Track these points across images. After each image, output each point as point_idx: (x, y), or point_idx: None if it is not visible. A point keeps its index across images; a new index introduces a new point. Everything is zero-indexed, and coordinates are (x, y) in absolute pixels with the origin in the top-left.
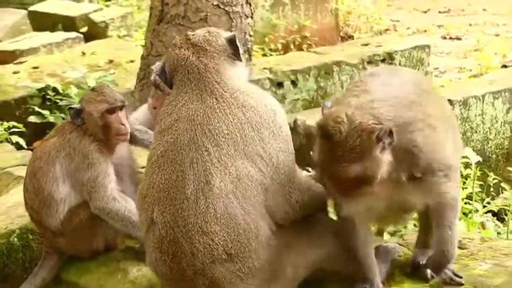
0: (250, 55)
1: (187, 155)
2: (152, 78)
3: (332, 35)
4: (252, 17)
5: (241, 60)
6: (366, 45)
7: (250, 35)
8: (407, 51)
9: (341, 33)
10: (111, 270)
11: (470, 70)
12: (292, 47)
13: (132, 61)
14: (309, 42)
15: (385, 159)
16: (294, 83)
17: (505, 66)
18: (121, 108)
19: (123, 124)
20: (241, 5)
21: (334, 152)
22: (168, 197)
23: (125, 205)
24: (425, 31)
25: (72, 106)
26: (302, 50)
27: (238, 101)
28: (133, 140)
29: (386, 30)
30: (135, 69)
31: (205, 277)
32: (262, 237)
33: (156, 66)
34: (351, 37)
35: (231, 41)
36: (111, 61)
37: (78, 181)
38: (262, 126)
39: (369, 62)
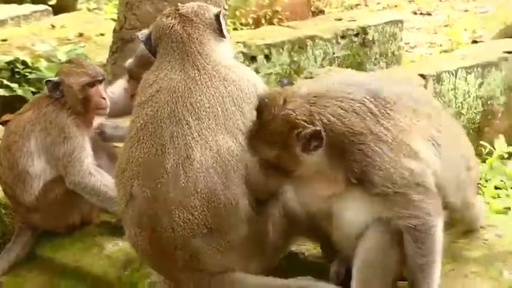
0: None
1: (168, 128)
2: (127, 65)
3: (303, 9)
4: None
5: (224, 37)
6: (339, 20)
7: (225, 9)
8: (380, 26)
9: (312, 8)
10: (86, 245)
11: (441, 45)
12: (263, 21)
13: (102, 34)
14: (280, 16)
15: (307, 159)
16: (267, 57)
17: (475, 41)
18: (100, 81)
19: (103, 98)
20: None
21: (259, 129)
22: (147, 171)
23: (101, 180)
24: (396, 6)
25: (50, 79)
26: (273, 24)
27: (220, 74)
28: (104, 137)
29: (357, 5)
30: (105, 43)
31: (185, 251)
32: (242, 212)
33: (142, 33)
34: (321, 12)
35: (217, 17)
36: (81, 34)
37: (54, 156)
38: (244, 101)
39: (343, 37)
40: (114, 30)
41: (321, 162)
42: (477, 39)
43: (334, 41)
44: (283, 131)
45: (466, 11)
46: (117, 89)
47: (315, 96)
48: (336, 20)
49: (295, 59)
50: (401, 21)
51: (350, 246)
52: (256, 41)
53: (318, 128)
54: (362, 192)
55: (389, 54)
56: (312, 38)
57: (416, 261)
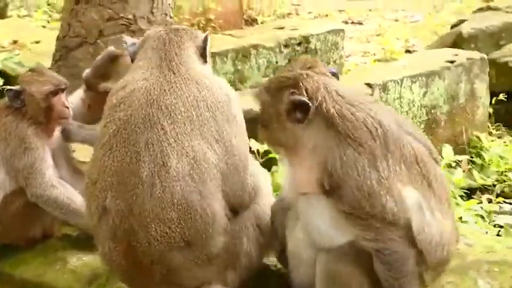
0: None
1: (142, 134)
2: (84, 75)
3: (236, 18)
4: None
5: (205, 60)
6: (281, 28)
7: (170, 17)
8: (322, 35)
9: (245, 17)
10: (49, 260)
11: (374, 54)
12: (196, 29)
13: (37, 42)
14: (213, 25)
15: (290, 129)
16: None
17: (408, 51)
18: (63, 90)
19: (66, 107)
20: None
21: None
22: (121, 181)
23: (63, 192)
24: (326, 15)
25: (11, 87)
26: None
27: (193, 78)
28: (67, 136)
29: (289, 14)
30: (40, 51)
31: (163, 266)
32: (219, 223)
33: (129, 39)
34: (254, 20)
35: (205, 39)
36: (15, 42)
37: (14, 167)
38: (217, 108)
39: (286, 46)
40: (58, 38)
41: (304, 142)
42: (410, 49)
43: (277, 49)
44: (283, 85)
45: (396, 20)
46: (74, 99)
47: (337, 90)
48: (277, 29)
49: (239, 67)
50: (342, 31)
51: (305, 253)
52: None
53: (307, 102)
54: (329, 204)
55: (332, 63)
56: (255, 46)
57: (389, 282)
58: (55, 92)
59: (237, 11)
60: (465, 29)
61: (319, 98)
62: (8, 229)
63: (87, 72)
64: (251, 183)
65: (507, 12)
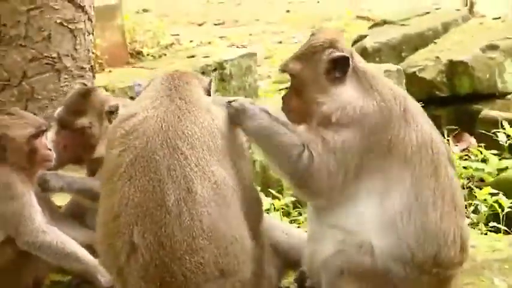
0: (93, 72)
1: (163, 161)
2: (56, 115)
3: (121, 52)
4: (92, 34)
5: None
6: (192, 56)
7: (92, 52)
8: (236, 60)
9: (129, 50)
10: None
11: (269, 77)
12: None
13: None
14: (100, 60)
15: (328, 89)
16: (133, 98)
17: None
18: (44, 131)
19: (49, 149)
20: (84, 22)
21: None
22: (147, 213)
23: (55, 236)
24: (209, 43)
25: None
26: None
27: (205, 107)
28: (46, 187)
29: (172, 44)
30: None
31: None
32: (247, 247)
33: (137, 81)
34: (139, 53)
35: (210, 82)
36: None
37: (1, 216)
38: (230, 138)
39: (202, 73)
40: None
41: (334, 99)
42: None
43: None
44: (319, 48)
45: (280, 42)
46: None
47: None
48: (188, 57)
49: None
50: (255, 54)
51: None
52: (118, 84)
53: (348, 56)
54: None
55: (247, 87)
56: None
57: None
58: (37, 135)
59: (120, 44)
60: (368, 43)
61: (354, 58)
62: None
63: (59, 111)
64: (257, 207)
65: (402, 25)
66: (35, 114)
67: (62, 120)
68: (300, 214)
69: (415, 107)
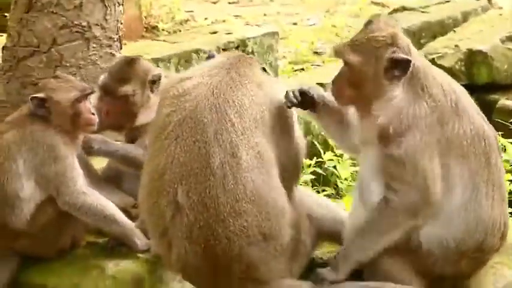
0: (120, 43)
1: (210, 124)
2: (100, 82)
3: (137, 25)
4: (122, 5)
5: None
6: (214, 33)
7: (121, 23)
8: (258, 38)
9: (144, 24)
10: (82, 268)
11: (285, 57)
12: None
13: None
14: None
15: (385, 86)
16: None
17: (316, 52)
18: (89, 95)
19: (92, 113)
20: None
21: (359, 35)
22: (191, 173)
23: (95, 199)
24: (224, 21)
25: (35, 95)
26: None
27: (258, 83)
28: (91, 151)
29: (187, 20)
30: None
31: (242, 262)
32: (287, 213)
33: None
34: (155, 28)
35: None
36: None
37: (44, 176)
38: (279, 117)
39: (224, 49)
40: (5, 48)
41: (388, 96)
42: (318, 51)
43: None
44: (380, 44)
45: (295, 24)
46: None
47: (416, 51)
48: (211, 33)
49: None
50: (277, 33)
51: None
52: (143, 56)
53: (410, 59)
54: (379, 152)
55: (268, 66)
56: (197, 51)
57: (364, 226)
58: (81, 99)
59: (136, 18)
60: None
61: (412, 56)
62: (38, 241)
63: (103, 78)
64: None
65: (423, 12)
66: None
67: (106, 87)
68: (318, 192)
69: (466, 99)
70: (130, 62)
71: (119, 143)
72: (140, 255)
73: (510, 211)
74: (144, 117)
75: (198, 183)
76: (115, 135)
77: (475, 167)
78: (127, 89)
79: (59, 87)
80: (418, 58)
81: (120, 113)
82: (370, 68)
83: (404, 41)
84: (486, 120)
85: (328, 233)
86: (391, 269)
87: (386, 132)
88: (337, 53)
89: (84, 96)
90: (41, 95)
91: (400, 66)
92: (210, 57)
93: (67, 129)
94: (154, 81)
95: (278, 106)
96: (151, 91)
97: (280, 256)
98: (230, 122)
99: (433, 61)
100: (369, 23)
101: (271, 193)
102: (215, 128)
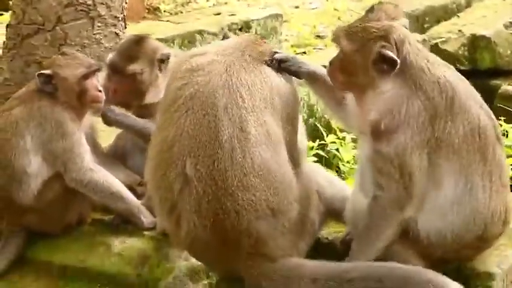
0: (125, 22)
1: (221, 99)
2: (109, 60)
3: (138, 6)
4: None
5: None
6: (218, 14)
7: (126, 2)
8: (262, 20)
9: (146, 5)
10: (89, 245)
11: (287, 40)
12: None
13: None
14: None
15: (374, 78)
16: None
17: (318, 36)
18: (96, 72)
19: (99, 90)
20: None
21: (356, 22)
22: (200, 145)
23: (102, 175)
24: (226, 3)
25: (42, 71)
26: None
27: (268, 69)
28: (108, 120)
29: (189, 2)
30: None
31: (251, 237)
32: (294, 189)
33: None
34: (156, 9)
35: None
36: None
37: (52, 152)
38: (287, 103)
39: (228, 31)
40: (9, 26)
41: (380, 89)
42: (320, 34)
43: (220, 35)
44: (372, 36)
45: (297, 7)
46: None
47: (417, 45)
48: (215, 14)
49: None
50: (281, 16)
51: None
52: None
53: (396, 59)
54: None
55: None
56: (200, 32)
57: (360, 229)
58: (88, 75)
59: None
60: None
61: (404, 52)
62: (45, 217)
63: (111, 56)
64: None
65: None
66: None
67: (114, 65)
68: None
69: (464, 91)
70: (139, 41)
71: (136, 117)
72: (146, 232)
73: None
74: (152, 95)
75: (206, 156)
76: None
77: (467, 162)
78: (135, 67)
79: (66, 63)
80: (414, 52)
81: (128, 91)
82: (361, 57)
83: (400, 35)
84: (486, 109)
85: (337, 212)
86: (394, 251)
87: (377, 128)
88: (334, 37)
89: (91, 73)
90: (47, 71)
91: (388, 62)
92: (224, 38)
93: (74, 105)
94: (163, 60)
95: (288, 92)
96: (160, 70)
97: (288, 233)
98: (241, 99)
99: (436, 46)
100: (370, 10)
101: (279, 169)
102: (225, 102)
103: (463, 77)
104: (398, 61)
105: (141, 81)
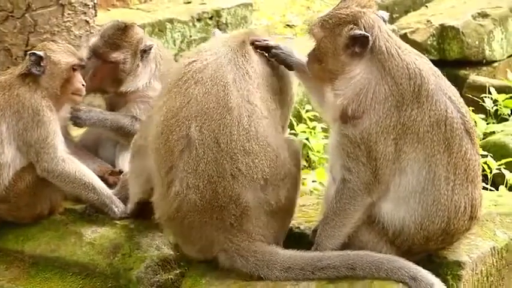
0: (95, 10)
1: (230, 72)
2: (92, 44)
3: None
4: None
5: None
6: (189, 3)
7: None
8: (232, 9)
9: None
10: (60, 234)
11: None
12: None
13: None
14: None
15: (345, 62)
16: None
17: (288, 25)
18: (83, 67)
19: (83, 85)
20: None
21: (329, 11)
22: (207, 111)
23: (74, 166)
24: None
25: (34, 51)
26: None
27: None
28: (79, 122)
29: None
30: None
31: (238, 206)
32: (286, 167)
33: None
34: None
35: None
36: None
37: (26, 141)
38: (286, 88)
39: (198, 20)
40: None
41: (351, 74)
42: (289, 23)
43: (190, 23)
44: (342, 21)
45: None
46: None
47: (387, 31)
48: (185, 3)
49: None
50: (251, 4)
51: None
52: None
53: (368, 35)
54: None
55: None
56: (171, 20)
57: (327, 212)
58: (78, 67)
59: None
60: None
61: (374, 36)
62: (16, 207)
63: (95, 40)
64: None
65: None
66: None
67: (97, 50)
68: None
69: (434, 82)
70: (125, 29)
71: (105, 111)
72: (118, 222)
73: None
74: (130, 84)
75: (213, 120)
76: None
77: (431, 152)
78: (118, 55)
79: (59, 50)
80: (384, 37)
81: (107, 78)
82: (331, 44)
83: (370, 20)
84: (457, 101)
85: None
86: (363, 239)
87: (345, 112)
88: (308, 28)
89: (81, 66)
90: (40, 52)
91: (358, 43)
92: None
93: (54, 93)
94: (145, 51)
95: (283, 73)
96: (141, 60)
97: (271, 216)
98: (247, 75)
99: (405, 36)
100: (343, 0)
101: (276, 144)
102: (234, 76)
103: (435, 68)
104: (370, 37)
105: (122, 70)
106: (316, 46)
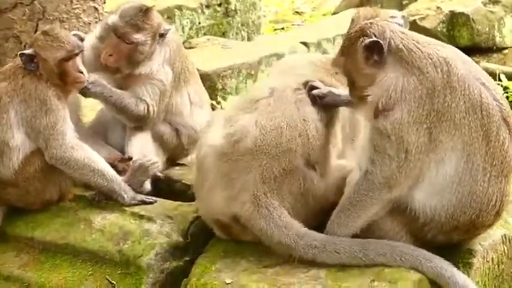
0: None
1: None
2: (110, 21)
3: None
4: None
5: None
6: None
7: None
8: None
9: None
10: (70, 221)
11: (265, 16)
12: None
13: None
14: None
15: (371, 72)
16: None
17: (297, 12)
18: (77, 54)
19: (80, 72)
20: None
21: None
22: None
23: (83, 153)
24: None
25: (24, 52)
26: None
27: None
28: (86, 92)
29: None
30: None
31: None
32: (295, 160)
33: None
34: None
35: None
36: None
37: (34, 128)
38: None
39: (207, 6)
40: None
41: (379, 78)
42: (298, 10)
43: (199, 10)
44: (353, 40)
45: None
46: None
47: (402, 30)
48: None
49: None
50: None
51: None
52: None
53: (378, 39)
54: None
55: (250, 24)
56: (180, 7)
57: (344, 202)
58: (68, 58)
59: None
60: None
61: (387, 37)
62: (25, 192)
63: (115, 20)
64: None
65: None
66: None
67: (118, 29)
68: None
69: (463, 68)
70: (147, 11)
71: (114, 88)
72: (127, 209)
73: None
74: (145, 67)
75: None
76: None
77: (469, 139)
78: (140, 37)
79: (46, 45)
80: (398, 36)
81: (123, 58)
82: (353, 63)
83: (378, 26)
84: (492, 88)
85: None
86: (384, 227)
87: (376, 107)
88: (331, 62)
89: (72, 56)
90: (29, 51)
91: (374, 50)
92: None
93: (57, 83)
94: (163, 35)
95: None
96: (158, 43)
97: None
98: None
99: (414, 22)
100: (351, 22)
101: (286, 139)
102: None
103: (465, 56)
104: (382, 41)
105: (140, 52)
106: (345, 73)
